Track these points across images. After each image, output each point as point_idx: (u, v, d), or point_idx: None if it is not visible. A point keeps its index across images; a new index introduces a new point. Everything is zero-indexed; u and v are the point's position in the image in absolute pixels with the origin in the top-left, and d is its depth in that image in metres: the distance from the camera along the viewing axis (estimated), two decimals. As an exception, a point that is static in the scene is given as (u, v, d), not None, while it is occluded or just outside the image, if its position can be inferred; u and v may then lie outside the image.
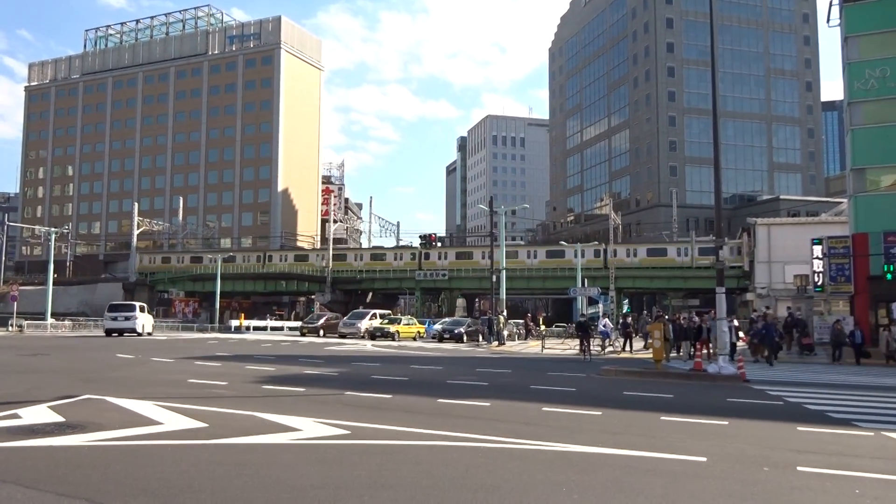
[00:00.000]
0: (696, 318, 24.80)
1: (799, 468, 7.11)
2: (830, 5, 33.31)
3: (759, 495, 6.02)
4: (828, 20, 33.26)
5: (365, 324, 40.80)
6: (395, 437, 8.41)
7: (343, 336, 40.50)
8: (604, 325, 30.69)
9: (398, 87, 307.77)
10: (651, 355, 19.99)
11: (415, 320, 44.28)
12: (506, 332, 36.17)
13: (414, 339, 39.44)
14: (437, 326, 43.07)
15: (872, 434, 9.64)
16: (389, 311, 48.51)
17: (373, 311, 44.88)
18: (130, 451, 7.26)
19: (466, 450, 7.73)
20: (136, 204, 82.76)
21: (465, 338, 38.66)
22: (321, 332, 43.50)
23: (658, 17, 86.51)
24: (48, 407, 10.06)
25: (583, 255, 57.46)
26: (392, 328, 38.62)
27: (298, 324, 53.62)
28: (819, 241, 32.18)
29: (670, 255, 62.78)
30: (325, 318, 46.16)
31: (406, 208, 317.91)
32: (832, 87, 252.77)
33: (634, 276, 62.67)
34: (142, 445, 7.59)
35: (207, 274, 67.97)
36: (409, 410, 10.83)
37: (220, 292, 60.35)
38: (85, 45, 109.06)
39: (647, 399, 13.11)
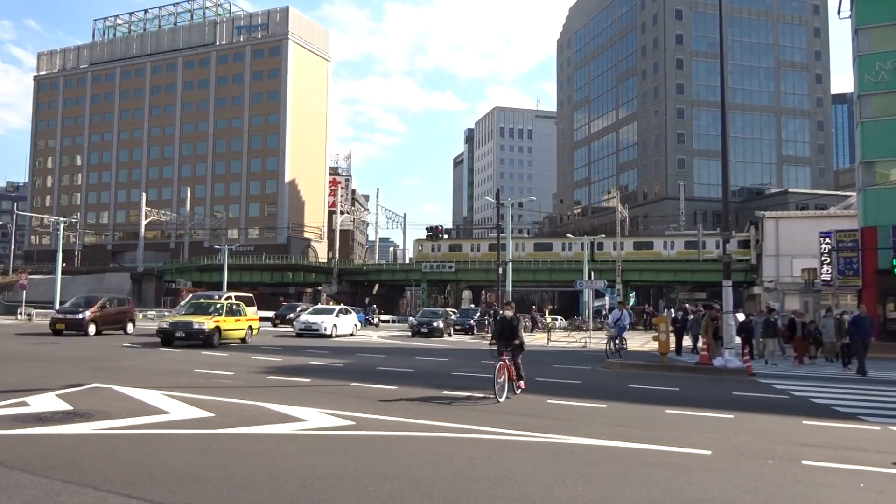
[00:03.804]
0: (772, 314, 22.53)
1: (804, 462, 7.11)
2: (841, -3, 33.03)
3: (763, 488, 6.01)
4: (838, 12, 32.94)
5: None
6: (399, 429, 8.43)
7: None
8: (615, 320, 22.16)
9: (404, 78, 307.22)
10: (657, 349, 19.96)
11: (245, 310, 25.08)
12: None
13: (243, 340, 23.82)
14: (413, 319, 36.22)
15: (878, 428, 9.62)
16: (216, 295, 28.52)
17: (194, 294, 32.14)
18: (137, 440, 7.31)
19: (471, 441, 7.76)
20: (144, 194, 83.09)
21: (443, 333, 33.87)
22: (91, 329, 25.83)
23: (667, 8, 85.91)
24: (56, 395, 10.14)
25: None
26: (206, 323, 21.52)
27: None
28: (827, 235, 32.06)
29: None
30: (96, 305, 26.83)
31: (412, 200, 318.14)
32: (842, 79, 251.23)
33: (641, 269, 62.71)
34: (148, 434, 7.65)
35: (215, 264, 68.27)
36: (414, 401, 10.85)
37: (227, 283, 60.57)
38: (93, 35, 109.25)
39: (653, 392, 13.11)
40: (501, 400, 10.73)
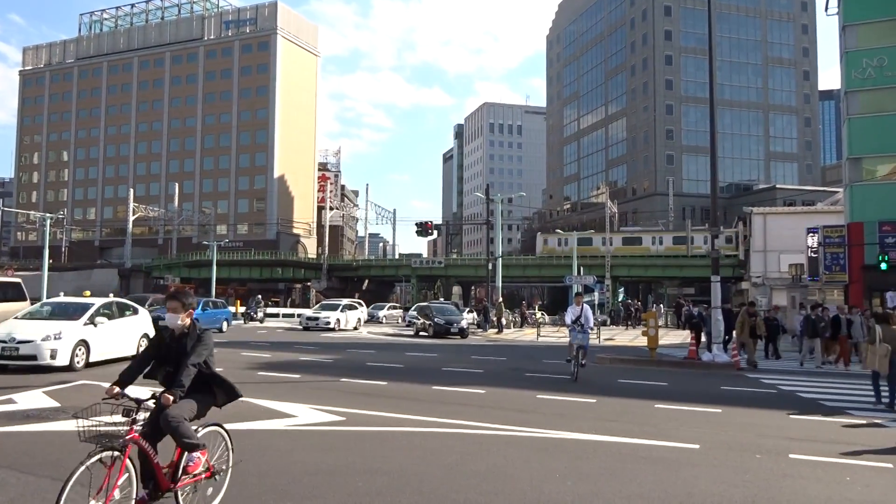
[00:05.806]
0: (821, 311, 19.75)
1: (791, 455, 7.16)
2: (829, -6, 33.21)
3: (751, 482, 6.06)
4: (826, 9, 33.15)
5: None
6: (389, 424, 8.43)
7: None
8: (573, 319, 14.26)
9: (392, 74, 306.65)
10: (647, 344, 20.04)
11: None
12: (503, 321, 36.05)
13: None
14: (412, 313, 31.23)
15: (864, 422, 9.72)
16: None
17: None
18: (126, 437, 7.26)
19: (461, 436, 7.76)
20: (132, 190, 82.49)
21: (467, 333, 28.99)
22: None
23: (656, 4, 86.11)
24: (43, 392, 10.06)
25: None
26: None
27: (294, 311, 47.32)
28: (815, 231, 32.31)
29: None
30: None
31: (401, 196, 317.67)
32: (830, 76, 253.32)
33: (630, 265, 62.98)
34: (137, 431, 7.59)
35: (203, 260, 67.94)
36: (403, 397, 10.85)
37: (216, 279, 60.29)
38: (80, 30, 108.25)
39: (642, 387, 13.17)
40: None
